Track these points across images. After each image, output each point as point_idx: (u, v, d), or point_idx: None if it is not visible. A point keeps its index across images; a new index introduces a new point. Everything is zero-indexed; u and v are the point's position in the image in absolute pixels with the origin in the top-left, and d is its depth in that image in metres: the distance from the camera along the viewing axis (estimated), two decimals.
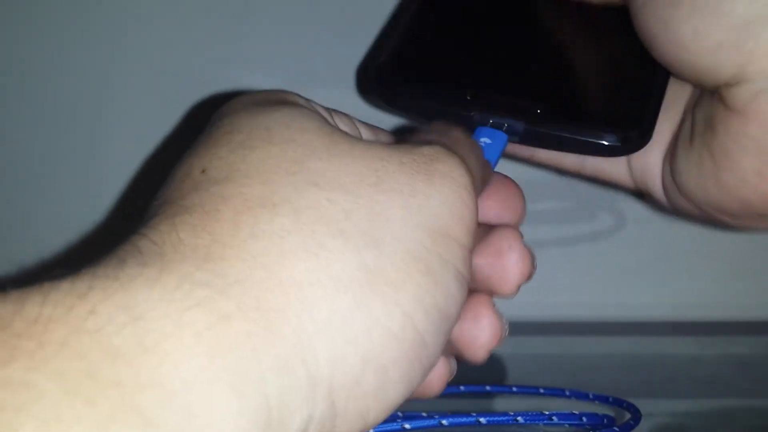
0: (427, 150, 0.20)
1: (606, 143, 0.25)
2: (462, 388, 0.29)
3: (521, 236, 0.23)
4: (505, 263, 0.22)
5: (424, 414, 0.24)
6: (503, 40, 0.27)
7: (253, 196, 0.18)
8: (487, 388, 0.30)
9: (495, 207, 0.23)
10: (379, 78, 0.26)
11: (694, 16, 0.22)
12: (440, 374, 0.23)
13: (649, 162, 0.27)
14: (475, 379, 0.32)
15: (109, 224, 0.36)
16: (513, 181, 0.24)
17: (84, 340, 0.14)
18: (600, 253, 0.37)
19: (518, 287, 0.23)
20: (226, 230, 0.17)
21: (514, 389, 0.29)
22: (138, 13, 0.33)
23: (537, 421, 0.25)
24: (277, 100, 0.21)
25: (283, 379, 0.16)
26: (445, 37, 0.28)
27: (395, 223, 0.19)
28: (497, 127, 0.25)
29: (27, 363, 0.13)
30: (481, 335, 0.22)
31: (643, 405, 0.28)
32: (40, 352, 0.14)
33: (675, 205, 0.27)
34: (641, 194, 0.28)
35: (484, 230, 0.23)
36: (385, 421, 0.23)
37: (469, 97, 0.25)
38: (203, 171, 0.19)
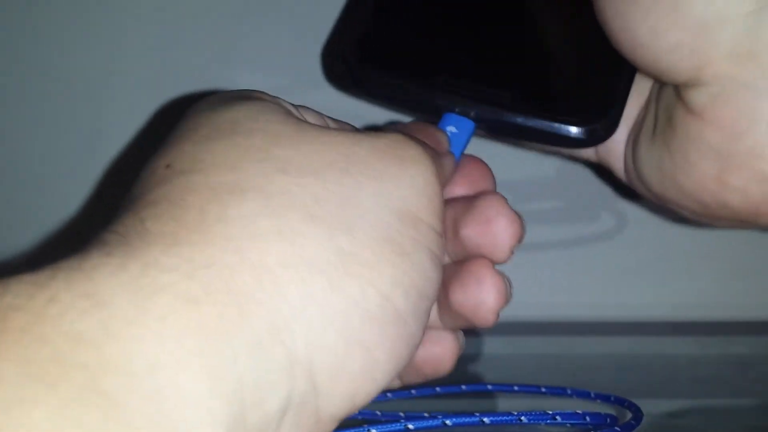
0: (392, 136, 0.20)
1: (572, 135, 0.25)
2: (464, 387, 0.29)
3: (506, 200, 0.23)
4: (494, 229, 0.22)
5: (426, 414, 0.24)
6: (472, 26, 0.27)
7: (220, 184, 0.18)
8: (489, 387, 0.30)
9: (466, 187, 0.24)
10: (344, 62, 0.26)
11: (652, 14, 0.22)
12: (450, 350, 0.23)
13: (613, 140, 0.26)
14: (475, 379, 0.32)
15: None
16: (480, 160, 0.24)
17: (46, 327, 0.14)
18: (600, 254, 0.37)
19: (511, 251, 0.23)
20: (192, 217, 0.17)
21: (516, 388, 0.29)
22: (137, 12, 0.33)
23: (540, 421, 0.25)
24: (242, 96, 0.21)
25: (258, 361, 0.16)
26: (413, 21, 0.28)
27: (366, 206, 0.19)
28: (464, 114, 0.25)
29: None
30: (487, 298, 0.22)
31: (643, 405, 0.27)
32: (0, 338, 0.13)
33: (635, 188, 0.27)
34: (603, 169, 0.28)
35: (466, 203, 0.23)
36: (388, 422, 0.23)
37: (435, 83, 0.25)
38: (168, 166, 0.19)
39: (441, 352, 0.23)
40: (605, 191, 0.35)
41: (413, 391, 0.28)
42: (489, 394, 0.30)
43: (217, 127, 0.19)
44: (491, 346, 0.36)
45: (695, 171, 0.23)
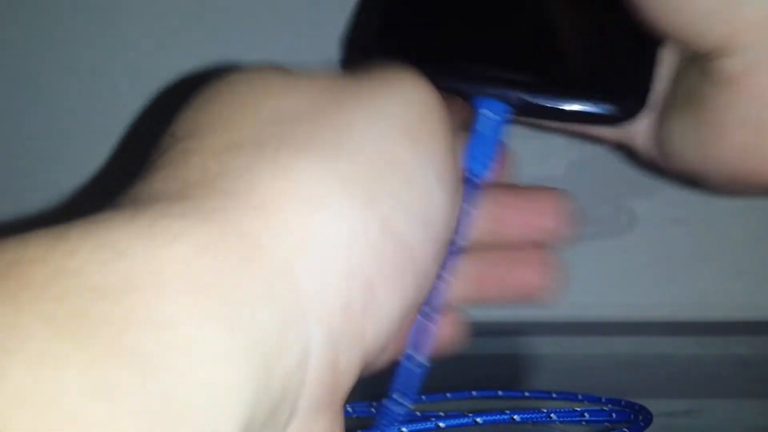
0: (383, 68, 0.20)
1: (606, 113, 0.24)
2: (474, 393, 0.29)
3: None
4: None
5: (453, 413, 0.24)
6: (494, 9, 0.26)
7: (217, 144, 0.18)
8: (499, 392, 0.29)
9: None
10: (365, 54, 0.26)
11: None
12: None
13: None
14: (478, 379, 0.32)
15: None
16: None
17: (69, 281, 0.14)
18: (599, 254, 0.37)
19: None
20: (195, 175, 0.17)
21: (527, 394, 0.29)
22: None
23: (570, 419, 0.25)
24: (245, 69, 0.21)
25: (273, 310, 0.16)
26: (434, 6, 0.27)
27: (362, 132, 0.18)
28: (492, 96, 0.25)
29: (11, 305, 0.13)
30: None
31: (643, 405, 0.27)
32: (24, 294, 0.13)
33: (659, 164, 0.26)
34: (621, 148, 0.28)
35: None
36: (418, 420, 0.23)
37: (462, 69, 0.25)
38: (171, 135, 0.19)
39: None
40: (607, 192, 0.35)
41: (423, 397, 0.28)
42: (500, 400, 0.30)
43: (212, 92, 0.20)
44: (492, 346, 0.36)
45: (729, 142, 0.23)
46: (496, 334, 0.35)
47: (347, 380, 0.18)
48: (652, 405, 0.29)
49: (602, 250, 0.37)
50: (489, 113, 0.24)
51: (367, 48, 0.26)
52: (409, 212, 0.18)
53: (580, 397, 0.28)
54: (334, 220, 0.17)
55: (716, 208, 0.35)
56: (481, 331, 0.35)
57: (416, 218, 0.18)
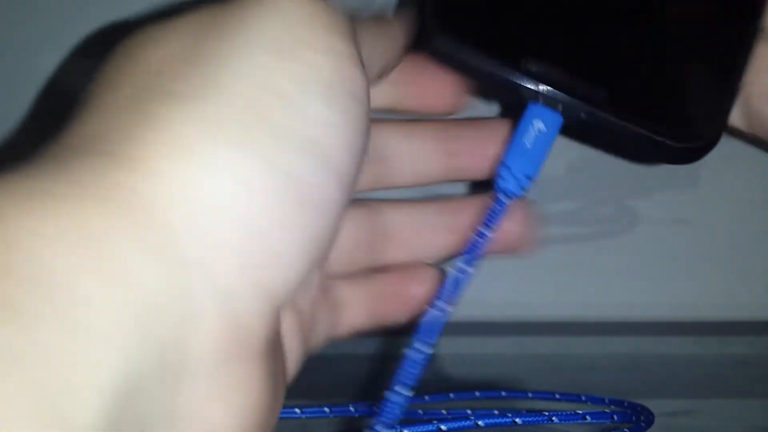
0: None
1: (673, 149, 0.21)
2: (477, 393, 0.29)
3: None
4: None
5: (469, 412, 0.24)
6: (575, 9, 0.23)
7: (107, 104, 0.17)
8: (503, 393, 0.29)
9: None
10: (421, 25, 0.22)
11: None
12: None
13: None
14: (478, 379, 0.32)
15: None
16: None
17: None
18: (599, 254, 0.37)
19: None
20: (66, 139, 0.17)
21: (530, 395, 0.29)
22: None
23: (571, 421, 0.25)
24: None
25: (152, 261, 0.15)
26: None
27: (230, 63, 0.17)
28: (551, 105, 0.21)
29: None
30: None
31: (645, 405, 0.28)
32: None
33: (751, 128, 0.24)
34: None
35: None
36: (420, 423, 0.23)
37: (523, 66, 0.21)
38: (80, 97, 0.18)
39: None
40: (607, 192, 0.35)
41: (426, 397, 0.28)
42: (503, 400, 0.30)
43: (114, 53, 0.19)
44: (493, 346, 0.36)
45: None
46: (496, 334, 0.35)
47: (257, 333, 0.17)
48: (652, 405, 0.29)
49: (602, 250, 0.37)
50: (541, 124, 0.22)
51: (423, 19, 0.22)
52: (296, 145, 0.16)
53: (583, 398, 0.28)
54: (207, 166, 0.16)
55: (716, 208, 0.35)
56: (481, 331, 0.35)
57: (306, 150, 0.16)
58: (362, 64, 0.18)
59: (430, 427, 0.23)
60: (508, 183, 0.22)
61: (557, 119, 0.22)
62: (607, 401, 0.28)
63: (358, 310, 0.24)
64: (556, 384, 0.31)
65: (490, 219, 0.22)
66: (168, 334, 0.15)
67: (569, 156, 0.34)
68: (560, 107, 0.21)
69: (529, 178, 0.22)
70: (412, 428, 0.23)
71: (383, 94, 0.23)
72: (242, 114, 0.16)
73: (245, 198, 0.16)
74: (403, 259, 0.25)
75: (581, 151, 0.34)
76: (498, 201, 0.22)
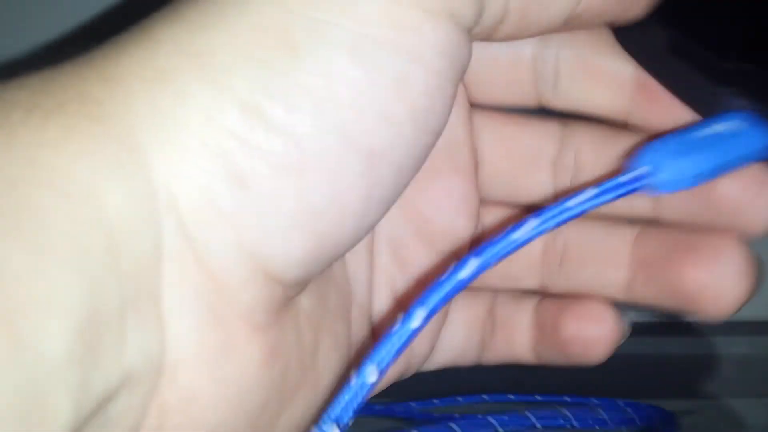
0: None
1: None
2: (485, 397, 0.29)
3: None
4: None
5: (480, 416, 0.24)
6: None
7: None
8: (511, 396, 0.29)
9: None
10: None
11: None
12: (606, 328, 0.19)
13: None
14: (481, 383, 0.32)
15: None
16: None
17: None
18: None
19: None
20: (50, 74, 0.15)
21: (539, 398, 0.29)
22: None
23: (588, 425, 0.24)
24: None
25: (118, 180, 0.14)
26: None
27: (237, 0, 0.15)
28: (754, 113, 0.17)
29: None
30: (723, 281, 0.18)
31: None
32: None
33: None
34: None
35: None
36: (436, 425, 0.22)
37: (727, 67, 0.18)
38: None
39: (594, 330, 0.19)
40: None
41: (436, 401, 0.28)
42: (512, 404, 0.30)
43: None
44: None
45: None
46: None
47: (239, 299, 0.15)
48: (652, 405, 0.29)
49: None
50: (741, 136, 0.17)
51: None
52: (284, 93, 0.14)
53: (595, 401, 0.28)
54: (181, 101, 0.14)
55: None
56: None
57: (297, 99, 0.14)
58: (455, 18, 0.15)
59: (444, 430, 0.22)
60: (679, 178, 0.17)
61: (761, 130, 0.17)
62: (622, 405, 0.28)
63: (521, 337, 0.22)
64: (556, 384, 0.31)
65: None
66: (131, 266, 0.14)
67: None
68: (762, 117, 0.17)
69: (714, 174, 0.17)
70: (424, 429, 0.22)
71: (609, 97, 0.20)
72: (230, 53, 0.15)
73: (217, 139, 0.14)
74: (576, 288, 0.22)
75: None
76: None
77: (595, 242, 0.21)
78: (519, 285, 0.22)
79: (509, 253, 0.17)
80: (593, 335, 0.21)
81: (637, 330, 0.38)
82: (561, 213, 0.17)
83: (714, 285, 0.18)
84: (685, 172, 0.17)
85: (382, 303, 0.21)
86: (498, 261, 0.17)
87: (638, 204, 0.20)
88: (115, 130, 0.14)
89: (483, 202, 0.22)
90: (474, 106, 0.22)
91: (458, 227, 0.21)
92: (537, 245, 0.22)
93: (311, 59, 0.14)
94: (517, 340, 0.22)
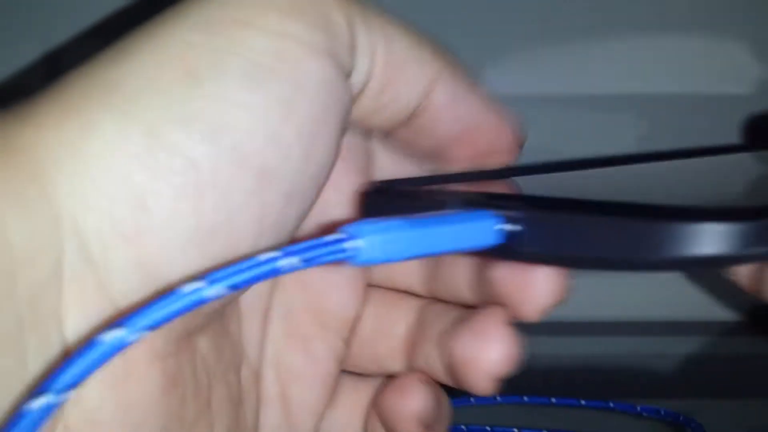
0: None
1: None
2: (498, 398, 0.29)
3: None
4: (531, 278, 0.18)
5: (488, 428, 0.23)
6: None
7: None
8: (525, 399, 0.29)
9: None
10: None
11: None
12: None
13: None
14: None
15: None
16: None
17: None
18: None
19: (543, 310, 0.19)
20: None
21: (554, 401, 0.28)
22: None
23: None
24: None
25: (23, 212, 0.14)
26: None
27: (149, 34, 0.16)
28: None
29: None
30: (486, 355, 0.19)
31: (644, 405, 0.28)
32: None
33: None
34: None
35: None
36: None
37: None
38: None
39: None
40: None
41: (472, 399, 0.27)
42: (526, 406, 0.30)
43: None
44: None
45: None
46: None
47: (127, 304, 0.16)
48: (652, 405, 0.29)
49: None
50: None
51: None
52: (183, 119, 0.15)
53: (611, 405, 0.28)
54: (84, 130, 0.15)
55: None
56: None
57: (195, 123, 0.15)
58: (334, 59, 0.17)
59: None
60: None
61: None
62: (662, 413, 0.28)
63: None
64: (556, 384, 0.31)
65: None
66: (29, 291, 0.14)
67: (569, 156, 0.34)
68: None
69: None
70: None
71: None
72: (135, 84, 0.15)
73: (121, 164, 0.15)
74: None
75: (581, 150, 0.34)
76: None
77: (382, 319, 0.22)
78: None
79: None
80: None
81: (637, 330, 0.39)
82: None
83: (478, 358, 0.19)
84: (389, 244, 0.15)
85: (269, 371, 0.21)
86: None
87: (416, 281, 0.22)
88: (22, 161, 0.15)
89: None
90: None
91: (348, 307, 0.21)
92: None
93: (209, 85, 0.16)
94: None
